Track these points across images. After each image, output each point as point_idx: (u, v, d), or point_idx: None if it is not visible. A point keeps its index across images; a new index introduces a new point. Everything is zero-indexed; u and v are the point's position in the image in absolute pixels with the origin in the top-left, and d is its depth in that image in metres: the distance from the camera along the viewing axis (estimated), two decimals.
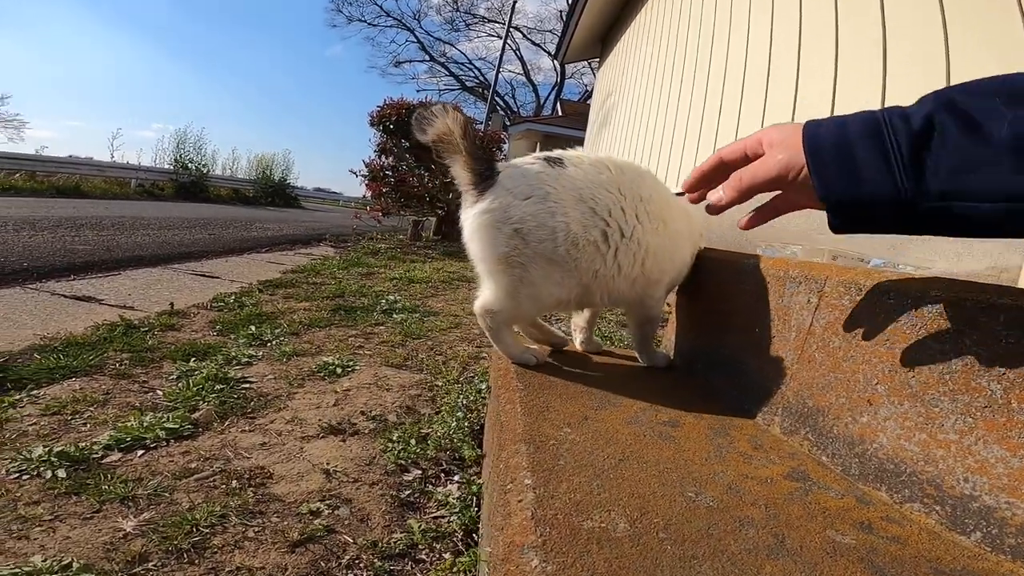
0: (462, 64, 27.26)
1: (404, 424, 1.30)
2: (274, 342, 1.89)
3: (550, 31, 25.54)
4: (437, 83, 26.90)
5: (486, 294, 1.12)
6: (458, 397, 1.43)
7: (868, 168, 0.47)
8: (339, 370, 1.62)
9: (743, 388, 1.05)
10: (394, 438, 1.20)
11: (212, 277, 3.14)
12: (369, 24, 26.34)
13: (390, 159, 6.51)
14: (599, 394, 0.99)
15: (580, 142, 11.37)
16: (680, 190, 0.76)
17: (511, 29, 10.56)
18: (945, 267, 1.65)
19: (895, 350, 0.72)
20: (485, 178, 1.06)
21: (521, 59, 26.37)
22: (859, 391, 0.78)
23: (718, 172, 0.65)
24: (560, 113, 15.71)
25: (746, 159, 0.61)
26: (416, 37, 26.38)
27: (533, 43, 26.17)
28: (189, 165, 13.73)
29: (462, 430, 1.22)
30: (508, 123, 12.44)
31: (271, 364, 1.67)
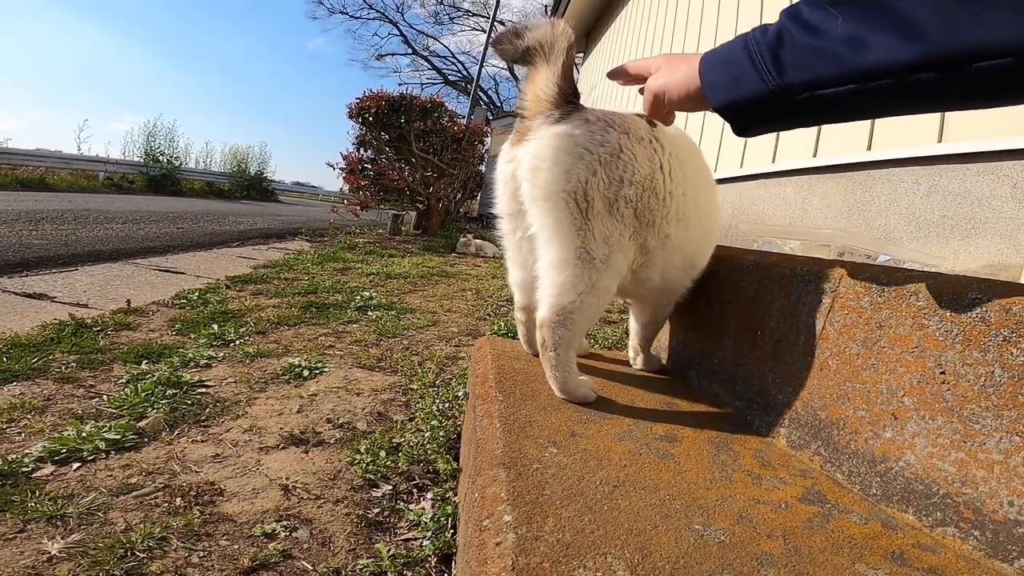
0: (445, 58, 26.92)
1: (374, 433, 1.19)
2: (237, 342, 1.76)
3: None
4: (420, 77, 26.53)
5: (550, 284, 0.89)
6: (433, 403, 1.32)
7: (743, 75, 0.58)
8: (306, 372, 1.50)
9: (743, 397, 0.97)
10: (362, 449, 1.09)
11: (177, 273, 2.97)
12: (351, 16, 25.82)
13: (369, 152, 6.33)
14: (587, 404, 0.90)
15: None
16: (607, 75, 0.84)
17: (495, 23, 10.40)
18: (944, 265, 1.60)
19: (926, 359, 0.64)
20: (570, 101, 0.89)
21: None
22: (882, 403, 0.71)
23: (625, 78, 0.80)
24: None
25: (641, 78, 0.76)
26: (399, 30, 25.89)
27: None
28: (160, 158, 13.28)
29: (437, 440, 1.12)
30: (490, 117, 12.29)
31: (232, 366, 1.55)
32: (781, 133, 2.54)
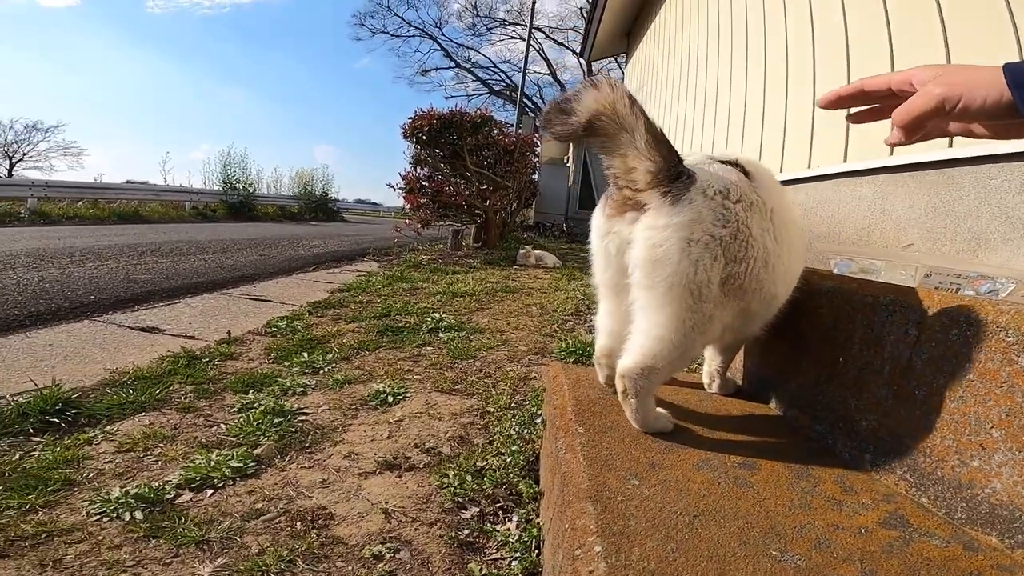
0: (488, 68, 27.36)
1: (459, 457, 1.28)
2: (326, 369, 1.92)
3: (572, 29, 25.36)
4: (465, 89, 27.14)
5: (643, 346, 0.87)
6: (511, 426, 1.40)
7: None
8: (391, 398, 1.63)
9: (824, 421, 0.98)
10: (450, 474, 1.19)
11: (265, 301, 3.24)
12: (392, 35, 26.79)
13: (425, 170, 6.58)
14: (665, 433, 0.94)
15: None
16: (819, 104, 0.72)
17: (533, 30, 10.52)
18: None
19: (1014, 394, 0.66)
20: (678, 174, 0.80)
21: (546, 59, 26.21)
22: (969, 434, 0.72)
23: (855, 100, 0.68)
24: None
25: (890, 94, 0.64)
26: (440, 45, 26.60)
27: (556, 42, 25.96)
28: (236, 185, 14.32)
29: (517, 464, 1.20)
30: (538, 124, 12.39)
31: (324, 393, 1.70)
32: (851, 129, 2.45)
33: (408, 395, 1.68)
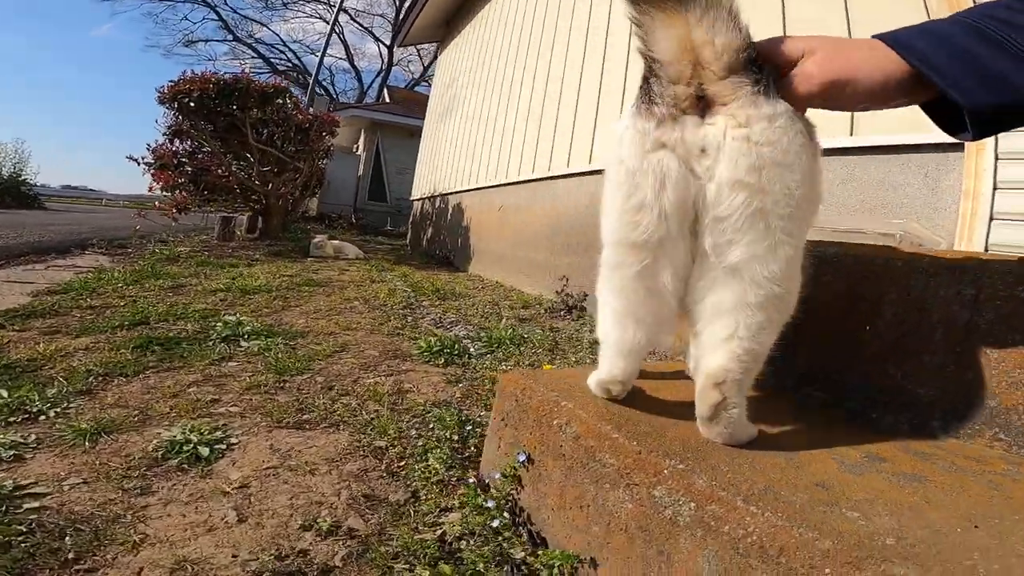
0: (273, 46, 24.00)
1: (388, 532, 0.76)
2: (51, 413, 1.12)
3: (380, 15, 23.96)
4: (241, 65, 23.26)
5: (750, 325, 0.58)
6: (432, 464, 0.93)
7: (1008, 70, 0.46)
8: (205, 450, 0.97)
9: (856, 397, 0.83)
10: (396, 568, 0.68)
11: None
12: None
13: (187, 144, 5.19)
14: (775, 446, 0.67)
15: (409, 130, 10.83)
16: None
17: (341, 12, 9.45)
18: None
19: None
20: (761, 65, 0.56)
21: (345, 43, 24.24)
22: None
23: None
24: (388, 100, 14.87)
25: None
26: (218, 15, 22.28)
27: (361, 26, 24.14)
28: None
29: (506, 526, 0.74)
30: (331, 108, 11.28)
31: (63, 455, 0.95)
32: None
33: (234, 440, 1.04)
